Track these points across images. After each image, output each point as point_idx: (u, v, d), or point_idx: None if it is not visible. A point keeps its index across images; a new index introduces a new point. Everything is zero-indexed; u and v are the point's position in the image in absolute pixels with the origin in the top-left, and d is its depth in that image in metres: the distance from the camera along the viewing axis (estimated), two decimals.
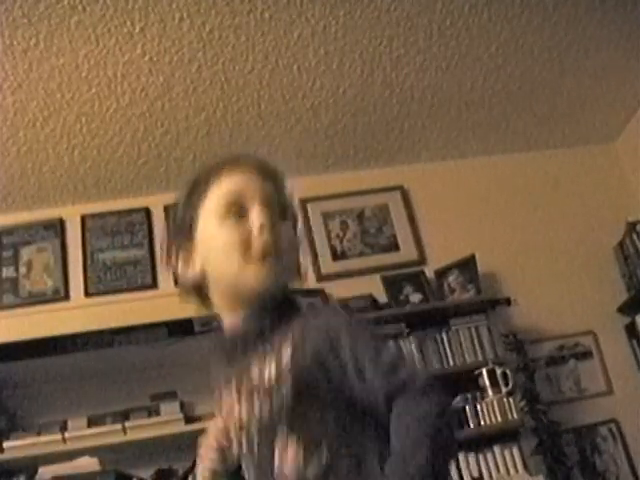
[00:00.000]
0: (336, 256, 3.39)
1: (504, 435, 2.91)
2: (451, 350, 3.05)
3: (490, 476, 2.83)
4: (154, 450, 2.90)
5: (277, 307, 1.13)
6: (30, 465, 2.77)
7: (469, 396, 2.94)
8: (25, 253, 3.24)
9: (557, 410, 3.07)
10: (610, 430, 3.15)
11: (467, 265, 3.22)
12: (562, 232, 3.52)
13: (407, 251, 3.42)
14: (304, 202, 3.43)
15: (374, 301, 3.22)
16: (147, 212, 3.36)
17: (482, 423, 2.88)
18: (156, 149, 3.13)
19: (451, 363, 3.02)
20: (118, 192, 3.34)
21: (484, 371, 2.93)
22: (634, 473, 3.08)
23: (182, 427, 2.85)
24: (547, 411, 2.95)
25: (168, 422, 2.88)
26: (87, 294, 3.19)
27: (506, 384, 2.90)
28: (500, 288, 3.30)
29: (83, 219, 3.33)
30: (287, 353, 1.06)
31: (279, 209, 1.17)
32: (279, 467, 1.05)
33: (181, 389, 3.00)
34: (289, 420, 1.04)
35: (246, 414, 1.09)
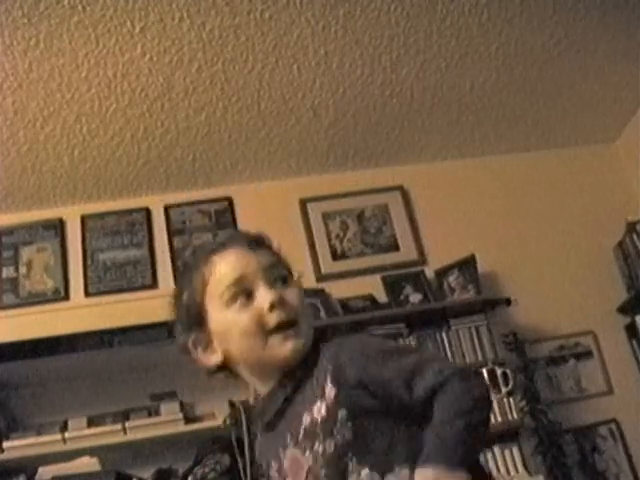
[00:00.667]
0: (336, 256, 3.38)
1: (504, 435, 2.91)
2: (451, 350, 3.04)
3: None
4: (154, 450, 2.90)
5: (305, 361, 1.14)
6: (30, 465, 2.77)
7: None
8: (25, 253, 3.24)
9: (557, 410, 3.06)
10: (610, 430, 3.15)
11: (467, 265, 3.22)
12: (562, 232, 3.52)
13: (407, 251, 3.42)
14: (304, 202, 3.44)
15: (374, 301, 3.22)
16: (147, 212, 3.37)
17: None
18: (156, 149, 3.13)
19: None
20: (118, 192, 3.34)
21: (484, 371, 2.92)
22: (634, 473, 3.08)
23: (182, 427, 2.85)
24: (547, 411, 2.95)
25: (168, 422, 2.88)
26: (87, 294, 3.19)
27: (506, 384, 2.89)
28: (500, 288, 3.30)
29: (83, 219, 3.33)
30: (330, 388, 1.09)
31: (281, 275, 1.18)
32: None
33: (181, 389, 2.99)
34: (355, 452, 1.06)
35: (312, 460, 1.10)
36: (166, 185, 3.36)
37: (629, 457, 3.11)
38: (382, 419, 1.08)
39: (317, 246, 3.38)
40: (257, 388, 1.20)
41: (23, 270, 3.20)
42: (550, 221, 3.55)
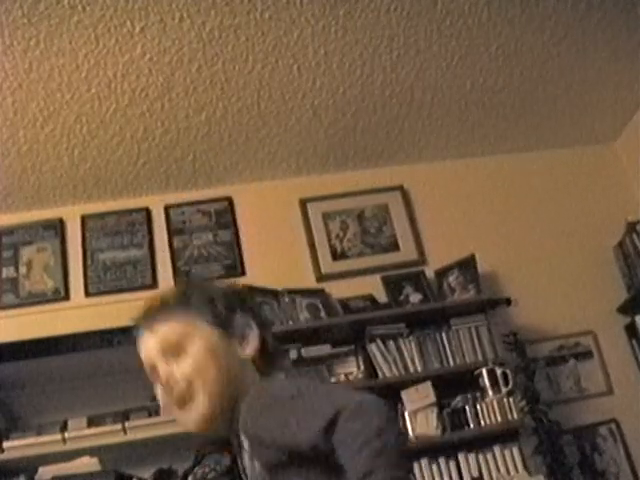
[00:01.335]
0: (336, 256, 3.38)
1: (504, 435, 2.91)
2: (451, 350, 3.04)
3: (490, 476, 2.83)
4: (154, 450, 2.90)
5: (232, 408, 1.14)
6: (30, 465, 2.77)
7: (469, 396, 2.94)
8: (25, 253, 3.24)
9: (557, 410, 3.06)
10: (610, 430, 3.15)
11: (467, 265, 3.22)
12: (562, 232, 3.52)
13: (407, 251, 3.42)
14: (304, 202, 3.43)
15: (374, 301, 3.22)
16: (147, 212, 3.37)
17: (482, 423, 2.88)
18: (156, 149, 3.13)
19: (451, 363, 3.02)
20: (118, 192, 3.34)
21: (484, 371, 2.93)
22: (634, 473, 3.08)
23: None
24: (547, 411, 2.95)
25: (168, 422, 2.87)
26: (87, 294, 3.19)
27: (506, 384, 2.89)
28: (500, 288, 3.30)
29: (83, 219, 3.33)
30: (245, 442, 1.12)
31: (172, 348, 1.17)
32: None
33: None
34: None
35: None
36: (166, 185, 3.36)
37: (629, 457, 3.11)
38: (295, 471, 1.04)
39: (317, 246, 3.37)
40: None
41: (23, 270, 3.20)
42: (550, 221, 3.55)
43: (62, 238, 3.28)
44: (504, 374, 2.91)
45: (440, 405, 2.89)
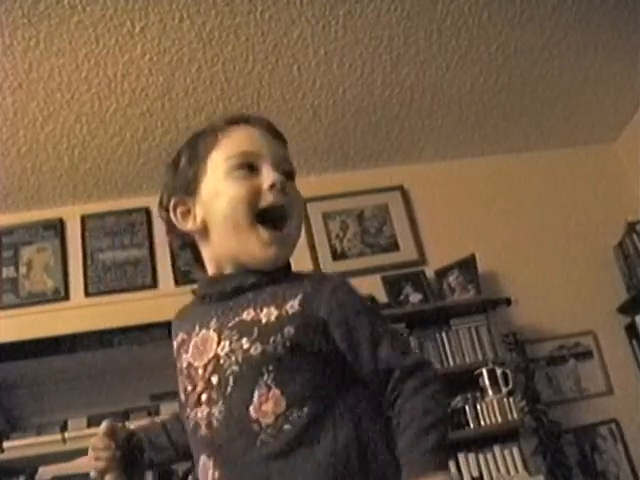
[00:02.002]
0: (336, 256, 3.38)
1: (504, 435, 2.91)
2: (451, 350, 3.05)
3: (490, 476, 2.83)
4: None
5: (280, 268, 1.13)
6: (30, 465, 2.78)
7: (469, 396, 2.94)
8: (25, 253, 3.24)
9: (557, 410, 3.06)
10: (610, 430, 3.15)
11: (467, 265, 3.22)
12: (562, 232, 3.52)
13: (407, 251, 3.42)
14: (304, 202, 3.43)
15: (374, 301, 3.22)
16: (147, 212, 3.36)
17: (482, 423, 2.88)
18: (156, 149, 3.13)
19: (451, 363, 3.02)
20: (118, 192, 3.34)
21: (484, 371, 2.93)
22: (634, 473, 3.08)
23: None
24: (547, 411, 2.95)
25: None
26: (87, 294, 3.19)
27: (506, 384, 2.89)
28: (500, 288, 3.30)
29: (83, 219, 3.33)
30: (294, 305, 1.05)
31: (289, 169, 1.17)
32: (255, 415, 1.01)
33: None
34: (277, 371, 1.02)
35: (228, 350, 1.05)
36: None
37: (629, 457, 3.11)
38: (320, 361, 1.05)
39: (317, 246, 3.37)
40: (210, 269, 1.16)
41: (23, 270, 3.20)
42: (550, 221, 3.55)
43: (62, 238, 3.28)
44: (504, 374, 2.91)
45: None
